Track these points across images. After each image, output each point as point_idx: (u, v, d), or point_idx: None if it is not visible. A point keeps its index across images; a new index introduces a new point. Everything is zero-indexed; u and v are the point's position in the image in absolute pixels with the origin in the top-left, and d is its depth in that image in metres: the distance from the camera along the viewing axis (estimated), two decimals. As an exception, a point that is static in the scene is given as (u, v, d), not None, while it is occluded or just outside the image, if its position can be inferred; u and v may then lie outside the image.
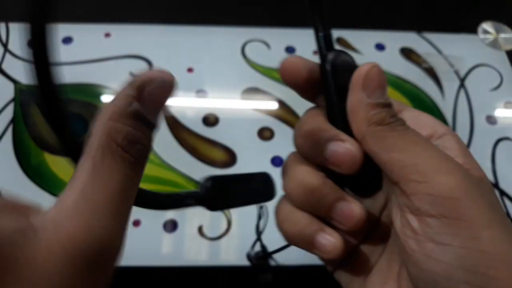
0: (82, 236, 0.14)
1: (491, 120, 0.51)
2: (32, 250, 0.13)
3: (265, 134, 0.48)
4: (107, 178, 0.15)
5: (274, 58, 0.54)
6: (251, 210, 0.42)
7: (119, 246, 0.15)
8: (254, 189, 0.22)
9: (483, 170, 0.21)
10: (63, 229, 0.14)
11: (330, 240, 0.20)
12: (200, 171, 0.45)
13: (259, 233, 0.41)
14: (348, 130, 0.19)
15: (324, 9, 0.20)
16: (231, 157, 0.46)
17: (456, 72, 0.55)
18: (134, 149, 0.16)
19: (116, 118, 0.16)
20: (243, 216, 0.42)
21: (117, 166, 0.15)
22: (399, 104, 0.22)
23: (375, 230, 0.21)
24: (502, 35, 0.59)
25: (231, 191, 0.21)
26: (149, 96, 0.17)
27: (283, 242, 0.22)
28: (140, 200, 0.17)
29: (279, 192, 0.22)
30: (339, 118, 0.20)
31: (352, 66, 0.21)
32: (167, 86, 0.17)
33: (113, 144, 0.15)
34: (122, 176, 0.15)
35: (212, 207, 0.20)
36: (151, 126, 0.17)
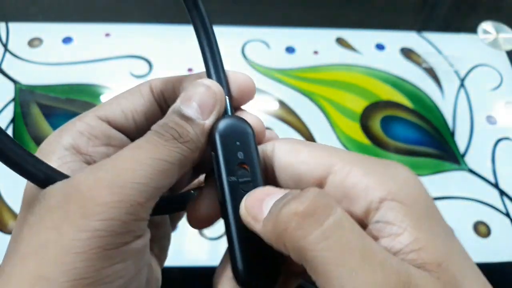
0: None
1: (491, 120, 0.51)
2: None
3: (265, 134, 0.48)
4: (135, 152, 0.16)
5: (274, 58, 0.54)
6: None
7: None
8: None
9: (447, 245, 0.15)
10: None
11: None
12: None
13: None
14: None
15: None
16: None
17: (456, 72, 0.55)
18: (162, 129, 0.17)
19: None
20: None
21: (145, 139, 0.17)
22: (324, 167, 0.17)
23: None
24: (502, 35, 0.59)
25: None
26: (185, 95, 0.18)
27: None
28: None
29: None
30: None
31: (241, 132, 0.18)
32: (211, 92, 0.18)
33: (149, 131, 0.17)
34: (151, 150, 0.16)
35: None
36: (187, 118, 0.17)
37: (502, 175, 0.47)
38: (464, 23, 0.61)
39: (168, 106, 0.19)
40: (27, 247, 0.15)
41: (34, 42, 0.53)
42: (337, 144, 0.48)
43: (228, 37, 0.54)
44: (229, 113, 0.19)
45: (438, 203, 0.45)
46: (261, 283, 0.16)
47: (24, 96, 0.49)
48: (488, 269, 0.45)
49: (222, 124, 0.18)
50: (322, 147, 0.17)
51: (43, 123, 0.47)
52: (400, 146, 0.48)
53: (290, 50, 0.55)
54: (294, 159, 0.17)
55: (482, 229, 0.43)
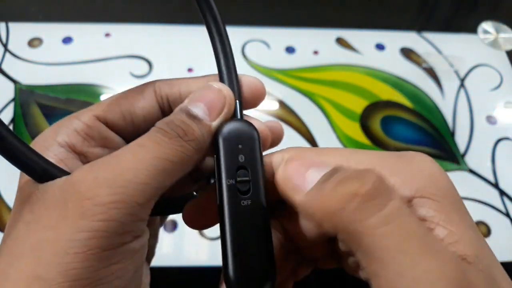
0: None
1: (491, 120, 0.51)
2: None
3: (265, 134, 0.48)
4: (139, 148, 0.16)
5: (274, 58, 0.54)
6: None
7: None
8: None
9: (478, 237, 0.15)
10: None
11: None
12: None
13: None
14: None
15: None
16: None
17: (456, 72, 0.55)
18: (168, 126, 0.17)
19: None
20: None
21: (148, 137, 0.16)
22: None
23: None
24: (502, 35, 0.59)
25: None
26: (193, 97, 0.18)
27: None
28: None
29: None
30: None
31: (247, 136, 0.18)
32: (221, 95, 0.18)
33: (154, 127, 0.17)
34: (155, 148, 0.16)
35: None
36: (194, 117, 0.17)
37: (502, 175, 0.47)
38: (464, 23, 0.61)
39: (171, 110, 0.18)
40: (23, 246, 0.15)
41: (34, 42, 0.53)
42: (337, 144, 0.48)
43: (228, 37, 0.54)
44: (239, 117, 0.19)
45: (438, 203, 0.45)
46: None
47: (24, 96, 0.49)
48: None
49: (227, 126, 0.17)
50: (335, 152, 0.17)
51: (43, 123, 0.47)
52: (400, 146, 0.48)
53: (290, 50, 0.55)
54: None
55: (482, 229, 0.43)
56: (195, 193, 0.18)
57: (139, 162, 0.15)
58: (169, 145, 0.16)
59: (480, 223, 0.44)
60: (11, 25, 0.55)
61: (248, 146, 0.17)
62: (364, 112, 0.51)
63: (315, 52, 0.55)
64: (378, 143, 0.48)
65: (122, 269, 0.15)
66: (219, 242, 0.42)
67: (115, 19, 0.56)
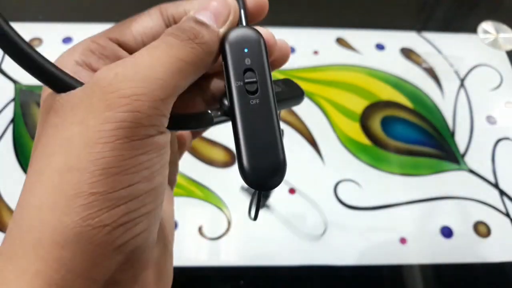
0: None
1: (491, 120, 0.51)
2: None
3: (265, 134, 0.48)
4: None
5: (274, 58, 0.54)
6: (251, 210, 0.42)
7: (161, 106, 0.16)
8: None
9: None
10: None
11: None
12: (199, 171, 0.45)
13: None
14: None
15: None
16: (231, 157, 0.46)
17: (456, 72, 0.55)
18: (179, 30, 0.17)
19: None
20: (243, 216, 0.42)
21: (161, 40, 0.17)
22: None
23: None
24: (502, 35, 0.59)
25: None
26: (200, 7, 0.19)
27: None
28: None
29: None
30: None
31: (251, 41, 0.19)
32: (226, 3, 0.19)
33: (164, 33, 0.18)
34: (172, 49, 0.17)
35: None
36: (203, 24, 0.18)
37: (502, 175, 0.47)
38: (464, 23, 0.61)
39: None
40: (54, 144, 0.15)
41: (34, 42, 0.53)
42: (337, 144, 0.48)
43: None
44: (244, 25, 0.20)
45: (438, 203, 0.45)
46: (267, 180, 0.17)
47: (24, 96, 0.49)
48: (488, 269, 0.45)
49: (233, 32, 0.18)
50: None
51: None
52: (400, 146, 0.48)
53: (290, 50, 0.55)
54: None
55: (482, 229, 0.43)
56: (209, 111, 0.19)
57: (156, 60, 0.16)
58: (181, 46, 0.17)
59: (480, 223, 0.44)
60: (11, 25, 0.55)
61: (254, 49, 0.18)
62: (364, 112, 0.51)
63: (315, 52, 0.55)
64: (378, 143, 0.48)
65: (149, 160, 0.16)
66: (219, 242, 0.42)
67: (115, 19, 0.56)
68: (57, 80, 0.16)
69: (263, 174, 0.17)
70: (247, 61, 0.18)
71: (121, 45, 0.20)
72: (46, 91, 0.18)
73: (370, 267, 0.41)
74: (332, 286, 0.40)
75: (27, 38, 0.53)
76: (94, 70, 0.19)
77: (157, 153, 0.16)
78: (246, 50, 0.18)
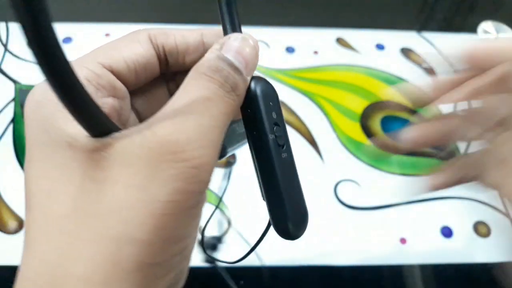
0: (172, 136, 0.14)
1: (491, 120, 0.51)
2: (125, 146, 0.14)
3: (265, 134, 0.48)
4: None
5: (274, 58, 0.54)
6: (251, 210, 0.42)
7: (209, 162, 0.15)
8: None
9: None
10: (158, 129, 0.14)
11: None
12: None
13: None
14: None
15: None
16: (231, 157, 0.46)
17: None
18: (220, 75, 0.16)
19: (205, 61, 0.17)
20: (243, 216, 0.42)
21: (204, 82, 0.16)
22: None
23: None
24: (502, 35, 0.59)
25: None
26: (230, 47, 0.17)
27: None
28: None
29: None
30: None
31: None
32: (257, 50, 0.18)
33: (198, 72, 0.16)
34: (215, 95, 0.15)
35: None
36: (238, 71, 0.17)
37: (502, 175, 0.47)
38: (464, 23, 0.61)
39: (167, 61, 0.19)
40: (101, 205, 0.13)
41: (34, 42, 0.53)
42: (337, 144, 0.48)
43: (228, 37, 0.54)
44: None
45: (438, 203, 0.45)
46: (301, 232, 0.18)
47: (24, 96, 0.49)
48: (488, 269, 0.45)
49: (258, 83, 0.18)
50: None
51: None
52: (400, 146, 0.48)
53: (290, 50, 0.55)
54: None
55: (482, 229, 0.43)
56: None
57: (214, 120, 0.15)
58: (226, 98, 0.16)
59: (480, 223, 0.44)
60: (11, 25, 0.55)
61: (275, 103, 0.18)
62: (364, 112, 0.51)
63: (315, 52, 0.55)
64: (378, 143, 0.48)
65: (197, 225, 0.16)
66: (219, 242, 0.42)
67: (115, 19, 0.56)
68: (98, 121, 0.14)
69: (299, 227, 0.18)
70: (273, 115, 0.18)
71: (114, 73, 0.18)
72: (37, 96, 0.15)
73: (370, 267, 0.41)
74: (332, 286, 0.40)
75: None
76: None
77: (200, 216, 0.16)
78: (271, 104, 0.18)
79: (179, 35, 0.19)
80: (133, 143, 0.14)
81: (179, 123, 0.14)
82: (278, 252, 0.41)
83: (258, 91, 0.18)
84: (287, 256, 0.41)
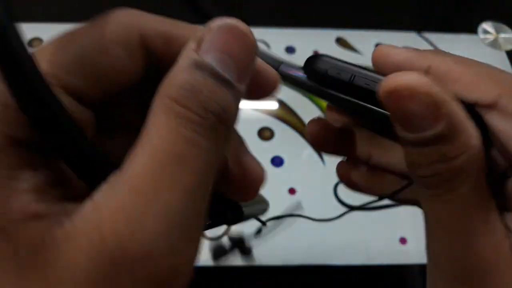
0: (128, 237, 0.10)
1: (491, 120, 0.51)
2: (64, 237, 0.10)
3: (265, 134, 0.48)
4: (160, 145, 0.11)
5: (274, 58, 0.54)
6: (251, 210, 0.42)
7: (184, 269, 0.11)
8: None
9: None
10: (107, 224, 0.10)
11: None
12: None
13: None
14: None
15: None
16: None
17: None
18: (197, 102, 0.11)
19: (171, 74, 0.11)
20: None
21: (174, 126, 0.10)
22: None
23: None
24: (502, 35, 0.59)
25: None
26: (210, 44, 0.12)
27: None
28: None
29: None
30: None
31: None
32: (233, 31, 0.12)
33: (166, 99, 0.11)
34: (180, 139, 0.10)
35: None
36: (227, 83, 0.11)
37: (502, 175, 0.47)
38: (464, 23, 0.61)
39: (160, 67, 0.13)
40: None
41: (34, 42, 0.53)
42: (337, 144, 0.48)
43: (228, 37, 0.54)
44: None
45: (438, 203, 0.45)
46: None
47: (24, 96, 0.49)
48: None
49: (318, 61, 0.17)
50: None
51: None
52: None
53: (290, 50, 0.55)
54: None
55: (482, 229, 0.43)
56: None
57: (189, 192, 0.11)
58: (210, 144, 0.11)
59: (480, 223, 0.44)
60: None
61: (338, 65, 0.19)
62: (364, 112, 0.51)
63: (315, 52, 0.55)
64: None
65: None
66: (219, 242, 0.42)
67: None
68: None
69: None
70: (351, 76, 0.18)
71: (83, 99, 0.13)
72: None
73: (370, 267, 0.41)
74: (332, 286, 0.40)
75: (27, 38, 0.53)
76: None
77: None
78: (339, 72, 0.18)
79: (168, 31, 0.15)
80: (80, 250, 0.10)
81: (137, 216, 0.10)
82: (277, 252, 0.41)
83: (329, 68, 0.17)
84: (287, 256, 0.41)
